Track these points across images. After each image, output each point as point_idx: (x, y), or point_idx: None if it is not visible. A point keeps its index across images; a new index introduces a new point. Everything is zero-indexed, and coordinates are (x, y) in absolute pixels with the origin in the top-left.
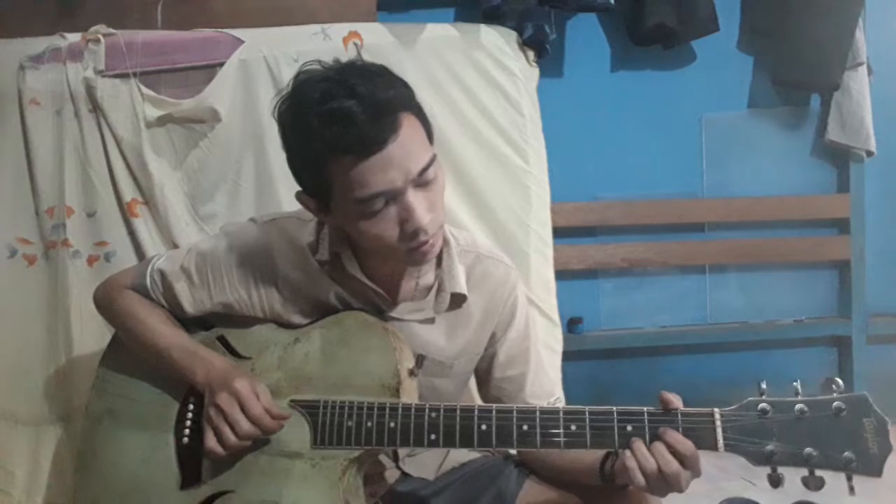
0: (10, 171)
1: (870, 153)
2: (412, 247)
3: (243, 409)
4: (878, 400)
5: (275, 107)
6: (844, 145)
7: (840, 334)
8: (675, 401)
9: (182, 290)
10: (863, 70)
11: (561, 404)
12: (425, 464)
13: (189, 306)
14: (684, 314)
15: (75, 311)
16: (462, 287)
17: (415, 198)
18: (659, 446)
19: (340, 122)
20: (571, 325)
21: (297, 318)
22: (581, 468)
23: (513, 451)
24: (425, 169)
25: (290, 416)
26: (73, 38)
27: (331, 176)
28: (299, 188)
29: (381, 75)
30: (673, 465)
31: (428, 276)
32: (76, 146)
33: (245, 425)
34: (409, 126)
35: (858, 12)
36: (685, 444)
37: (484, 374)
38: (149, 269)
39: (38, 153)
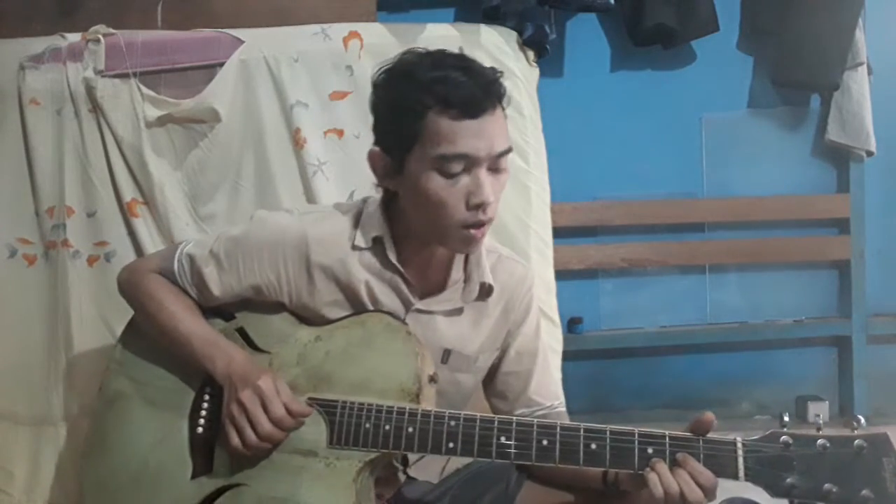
0: (10, 171)
1: (870, 153)
2: (469, 223)
3: (266, 409)
4: (878, 400)
5: (375, 72)
6: (844, 145)
7: (840, 334)
8: (709, 425)
9: (210, 273)
10: (863, 70)
11: (562, 409)
12: (430, 467)
13: (217, 290)
14: (684, 314)
15: (75, 311)
16: (489, 277)
17: (486, 177)
18: (683, 473)
19: (451, 83)
20: (571, 325)
21: (324, 309)
22: (581, 471)
23: None
24: (503, 153)
25: (311, 412)
26: (73, 38)
27: (424, 128)
28: (374, 147)
29: (489, 67)
30: (698, 493)
31: (457, 271)
32: (76, 146)
33: (267, 426)
34: (501, 114)
35: (858, 12)
36: (707, 476)
37: (492, 368)
38: (177, 254)
39: (38, 153)
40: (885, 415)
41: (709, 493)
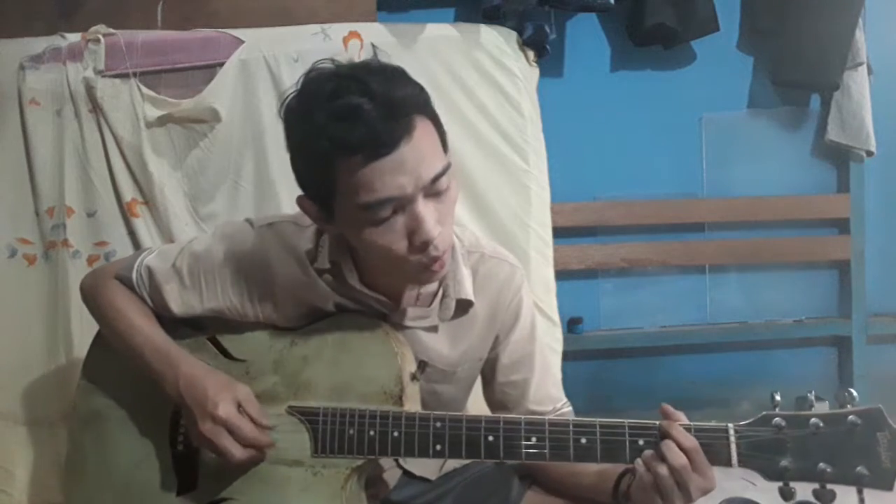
0: (10, 171)
1: (870, 153)
2: (422, 262)
3: (233, 435)
4: (878, 400)
5: (281, 104)
6: (844, 145)
7: (840, 334)
8: (677, 413)
9: (171, 291)
10: (863, 70)
11: (567, 409)
12: (427, 462)
13: (177, 308)
14: (684, 314)
15: (75, 311)
16: (468, 293)
17: (425, 208)
18: (667, 442)
19: (350, 119)
20: (571, 325)
21: (292, 322)
22: (592, 485)
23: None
24: (438, 177)
25: (273, 427)
26: (73, 38)
27: (336, 178)
28: (301, 192)
29: (397, 75)
30: (680, 458)
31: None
32: (76, 146)
33: (238, 453)
34: (423, 130)
35: (858, 12)
36: (689, 439)
37: (488, 377)
38: (136, 264)
39: (38, 153)
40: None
41: (692, 456)
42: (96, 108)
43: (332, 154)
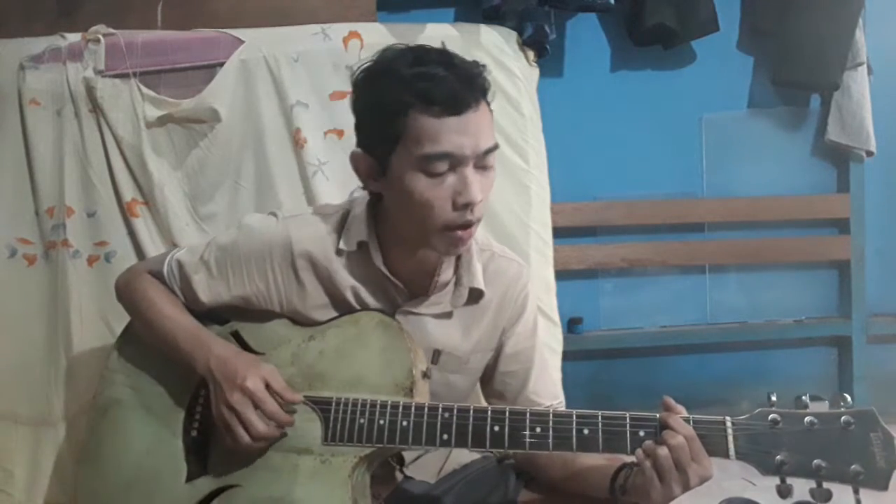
0: (10, 171)
1: (870, 153)
2: (457, 224)
3: (258, 408)
4: (878, 400)
5: (355, 72)
6: (844, 145)
7: (840, 334)
8: (678, 406)
9: (200, 280)
10: (863, 70)
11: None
12: (427, 467)
13: (205, 297)
14: (684, 314)
15: (75, 311)
16: (480, 283)
17: (473, 175)
18: (666, 430)
19: (432, 80)
20: (571, 325)
21: (314, 313)
22: (587, 478)
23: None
24: (490, 151)
25: (301, 399)
26: (73, 38)
27: (405, 127)
28: (356, 149)
29: (471, 61)
30: (678, 438)
31: (447, 272)
32: (76, 146)
33: (261, 427)
34: (485, 108)
35: (858, 12)
36: (686, 428)
37: (489, 368)
38: (168, 259)
39: (38, 153)
40: (886, 414)
41: (689, 443)
42: (96, 108)
43: (410, 104)
